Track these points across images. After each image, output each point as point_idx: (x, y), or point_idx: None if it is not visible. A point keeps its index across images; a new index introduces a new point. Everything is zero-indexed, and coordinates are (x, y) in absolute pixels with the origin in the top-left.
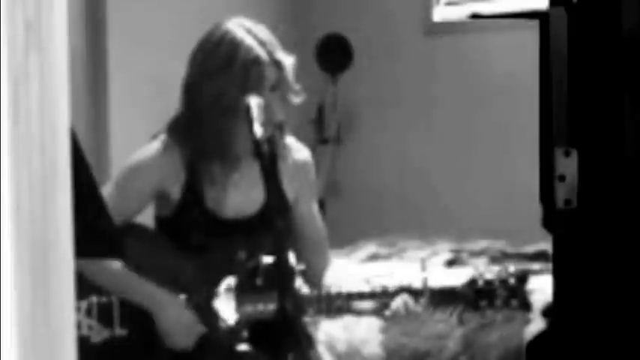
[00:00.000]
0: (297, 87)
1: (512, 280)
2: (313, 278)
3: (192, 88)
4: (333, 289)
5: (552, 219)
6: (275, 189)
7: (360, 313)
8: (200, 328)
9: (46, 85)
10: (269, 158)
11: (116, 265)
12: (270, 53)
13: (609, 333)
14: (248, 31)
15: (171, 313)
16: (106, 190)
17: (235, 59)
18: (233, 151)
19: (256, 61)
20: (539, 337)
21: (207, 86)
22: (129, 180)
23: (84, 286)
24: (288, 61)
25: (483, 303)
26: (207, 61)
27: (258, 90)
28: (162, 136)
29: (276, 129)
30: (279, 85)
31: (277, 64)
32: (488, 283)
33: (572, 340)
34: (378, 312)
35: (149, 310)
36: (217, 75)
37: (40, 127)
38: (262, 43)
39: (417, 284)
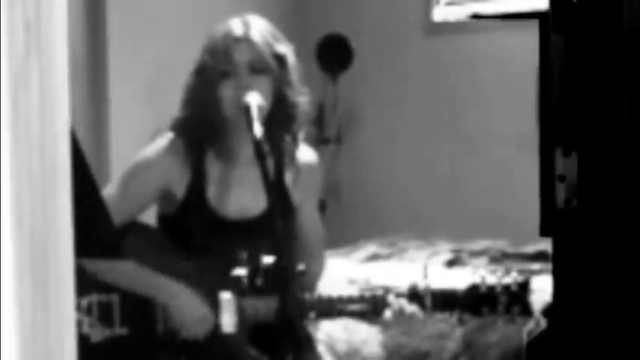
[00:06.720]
0: (300, 85)
1: (514, 287)
2: (308, 282)
3: (188, 84)
4: (334, 293)
5: (552, 220)
6: (281, 192)
7: (359, 315)
8: (213, 318)
9: (46, 85)
10: (276, 160)
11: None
12: (269, 45)
13: (609, 333)
14: (243, 21)
15: (185, 302)
16: (112, 188)
17: (212, 38)
18: (232, 148)
19: (227, 34)
20: (539, 337)
21: (196, 78)
22: (135, 177)
23: (85, 285)
24: (290, 57)
25: (485, 309)
26: (200, 56)
27: (228, 63)
28: (169, 134)
29: (288, 133)
30: (267, 72)
31: (278, 58)
32: (490, 288)
33: (572, 340)
34: (375, 316)
35: (163, 302)
36: (201, 61)
37: (40, 127)
38: (247, 27)
39: (417, 290)
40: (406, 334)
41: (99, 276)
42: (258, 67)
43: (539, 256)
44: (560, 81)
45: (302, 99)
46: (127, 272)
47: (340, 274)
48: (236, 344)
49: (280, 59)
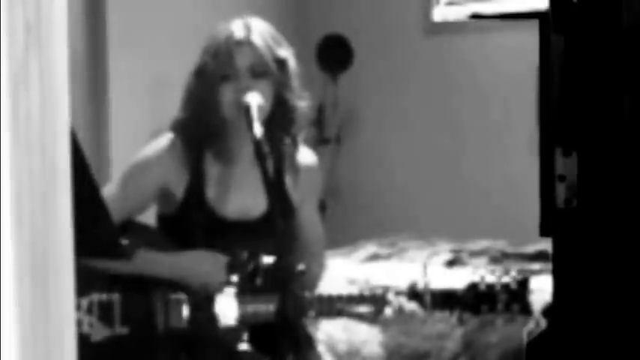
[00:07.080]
0: (300, 89)
1: (513, 285)
2: (308, 282)
3: (188, 84)
4: (334, 292)
5: (552, 220)
6: (281, 193)
7: (359, 316)
8: (223, 259)
9: (46, 85)
10: (276, 162)
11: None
12: (270, 49)
13: (609, 333)
14: (245, 24)
15: (193, 261)
16: (112, 187)
17: (214, 41)
18: (232, 149)
19: (229, 37)
20: (539, 337)
21: (197, 79)
22: (135, 176)
23: (85, 284)
24: (291, 61)
25: (484, 307)
26: (200, 57)
27: (229, 66)
28: (169, 134)
29: (288, 136)
30: (267, 76)
31: (279, 62)
32: (489, 287)
33: (572, 340)
34: (375, 315)
35: (175, 278)
36: (202, 62)
37: (40, 127)
38: (249, 30)
39: (417, 288)
40: (406, 334)
41: (113, 272)
42: (259, 71)
43: (539, 256)
44: (560, 81)
45: (302, 103)
46: (140, 262)
47: (340, 274)
48: (235, 343)
49: (281, 63)
